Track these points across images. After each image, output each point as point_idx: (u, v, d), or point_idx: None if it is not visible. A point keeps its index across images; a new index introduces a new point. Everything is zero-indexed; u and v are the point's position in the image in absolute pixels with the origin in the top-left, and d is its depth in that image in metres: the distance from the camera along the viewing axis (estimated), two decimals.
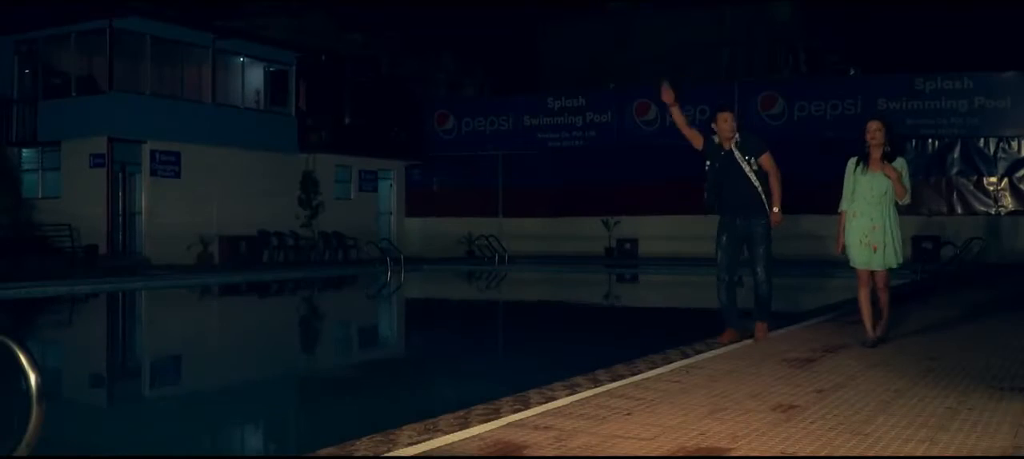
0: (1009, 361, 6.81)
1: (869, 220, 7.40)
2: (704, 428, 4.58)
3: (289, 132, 27.01)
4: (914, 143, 25.58)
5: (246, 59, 26.41)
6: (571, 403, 5.19)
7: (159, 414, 7.51)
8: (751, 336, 7.82)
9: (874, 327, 7.58)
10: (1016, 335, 8.47)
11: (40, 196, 23.83)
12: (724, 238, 7.73)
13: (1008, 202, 24.84)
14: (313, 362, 10.96)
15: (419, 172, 31.47)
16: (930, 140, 25.52)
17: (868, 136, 7.44)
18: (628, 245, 27.57)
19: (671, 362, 6.63)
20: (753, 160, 7.58)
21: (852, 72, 31.43)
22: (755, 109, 27.03)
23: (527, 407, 5.06)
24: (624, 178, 27.96)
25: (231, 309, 17.86)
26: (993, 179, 24.94)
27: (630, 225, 27.62)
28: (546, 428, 4.56)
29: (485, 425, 4.62)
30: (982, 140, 25.06)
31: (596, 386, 5.69)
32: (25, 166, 24.37)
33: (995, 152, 24.96)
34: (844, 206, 7.58)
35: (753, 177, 7.57)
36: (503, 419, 4.76)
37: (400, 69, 36.36)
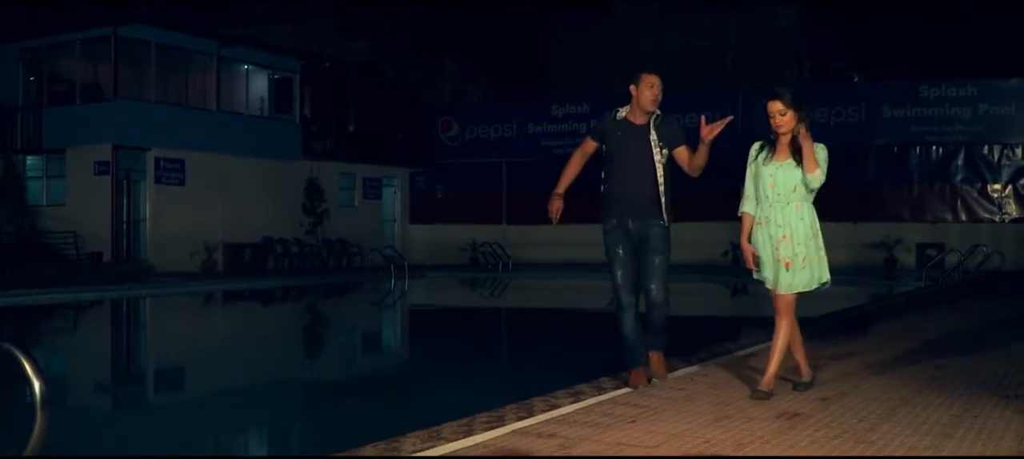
0: (1014, 369, 6.78)
1: (776, 226, 5.56)
2: (708, 436, 4.57)
3: (293, 139, 27.04)
4: (918, 150, 25.58)
5: (250, 66, 26.45)
6: (575, 411, 5.18)
7: (162, 421, 7.51)
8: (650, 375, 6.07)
9: (766, 373, 5.59)
10: (1021, 343, 8.43)
11: (45, 203, 23.85)
12: (620, 250, 6.05)
13: (1012, 209, 24.81)
14: (317, 370, 10.96)
15: (423, 179, 31.47)
16: (934, 147, 25.50)
17: (772, 122, 5.64)
18: None
19: (674, 370, 6.62)
20: (666, 150, 5.93)
21: (856, 79, 31.39)
22: (760, 115, 27.05)
23: (531, 415, 5.05)
24: None
25: (236, 316, 17.87)
26: (997, 186, 24.92)
27: None
28: (550, 436, 4.56)
29: (489, 433, 4.61)
30: (986, 147, 25.03)
31: (600, 393, 5.68)
32: (30, 173, 24.37)
33: (999, 159, 24.94)
34: (746, 207, 5.71)
35: (660, 169, 5.90)
36: (507, 427, 4.75)
37: (404, 76, 36.39)
